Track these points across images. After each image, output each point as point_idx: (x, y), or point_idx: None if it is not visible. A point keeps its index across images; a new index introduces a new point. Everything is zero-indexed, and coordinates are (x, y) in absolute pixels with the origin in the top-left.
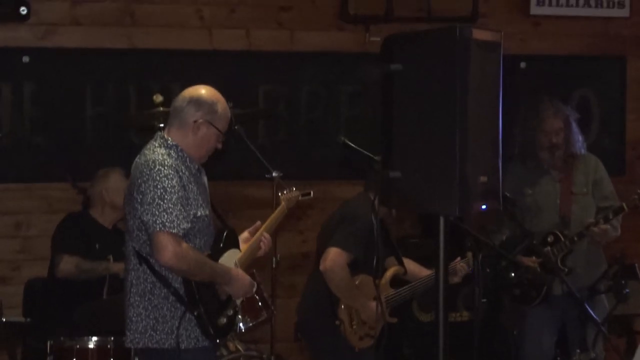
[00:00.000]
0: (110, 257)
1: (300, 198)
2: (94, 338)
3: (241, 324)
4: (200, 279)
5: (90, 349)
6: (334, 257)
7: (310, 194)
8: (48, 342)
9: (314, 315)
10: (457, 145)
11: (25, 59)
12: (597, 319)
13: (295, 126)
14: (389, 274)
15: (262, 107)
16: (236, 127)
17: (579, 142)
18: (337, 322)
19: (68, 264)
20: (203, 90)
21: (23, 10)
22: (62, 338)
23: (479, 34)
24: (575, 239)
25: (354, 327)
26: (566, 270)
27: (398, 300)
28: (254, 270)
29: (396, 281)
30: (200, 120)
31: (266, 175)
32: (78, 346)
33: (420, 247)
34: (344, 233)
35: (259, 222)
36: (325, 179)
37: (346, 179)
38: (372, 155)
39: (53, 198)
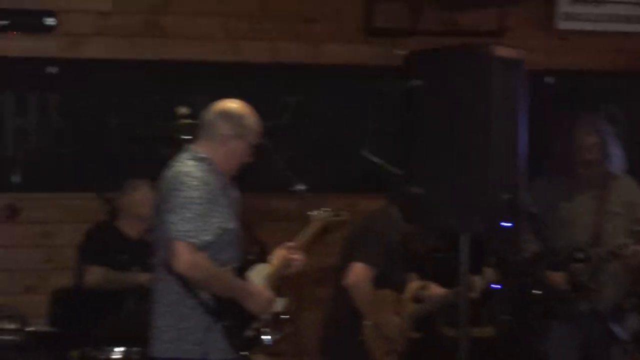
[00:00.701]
0: (137, 268)
1: (334, 218)
2: (119, 349)
3: (267, 337)
4: (217, 291)
5: (115, 359)
6: (358, 272)
7: (344, 215)
8: (73, 352)
9: (338, 330)
10: (480, 162)
11: (52, 69)
12: (623, 337)
13: (319, 139)
14: (411, 289)
15: (286, 119)
16: (261, 140)
17: (616, 158)
18: (361, 338)
19: (95, 275)
20: (233, 104)
21: (50, 21)
22: (86, 348)
23: (502, 51)
24: (606, 259)
25: (378, 342)
26: (595, 288)
27: (421, 316)
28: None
29: (418, 296)
30: (230, 134)
31: (291, 189)
32: (103, 357)
33: (445, 261)
34: (368, 248)
35: (291, 243)
36: (349, 192)
37: (370, 193)
38: (395, 170)
39: (79, 208)
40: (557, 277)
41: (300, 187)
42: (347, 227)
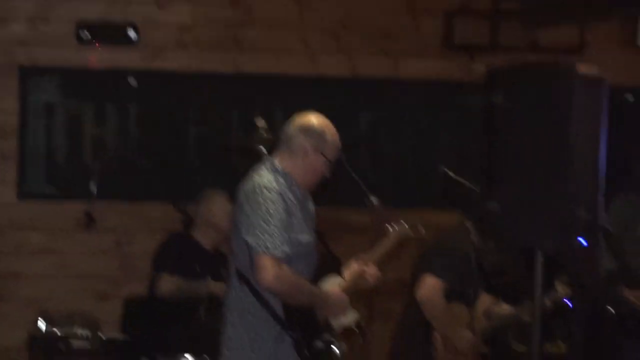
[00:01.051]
0: (210, 278)
1: (411, 234)
2: (190, 357)
3: (337, 348)
4: (299, 302)
5: None
6: (430, 285)
7: (422, 232)
8: (143, 359)
9: (408, 343)
10: (559, 179)
11: (132, 81)
12: None
13: (397, 153)
14: (482, 304)
15: (364, 134)
16: (338, 154)
17: None
18: (432, 351)
19: (168, 284)
20: (314, 119)
21: (132, 33)
22: (158, 356)
23: (585, 69)
24: None
25: (449, 355)
26: None
27: (489, 331)
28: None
29: (489, 312)
30: (311, 148)
31: (366, 202)
32: None
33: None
34: (441, 262)
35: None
36: (425, 207)
37: (446, 209)
38: (472, 186)
39: (154, 217)
40: (634, 297)
41: (374, 200)
42: (421, 242)
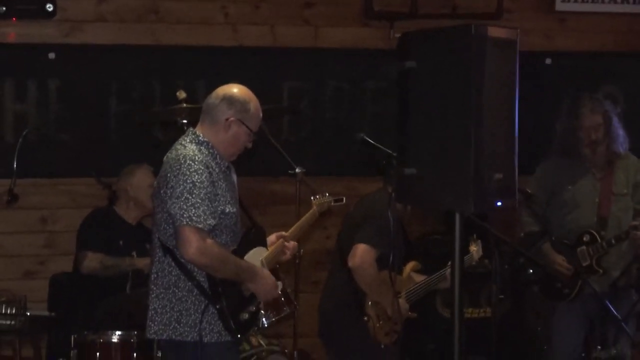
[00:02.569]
0: (134, 253)
1: (332, 204)
2: (118, 332)
3: (264, 319)
4: (224, 275)
5: (114, 343)
6: (363, 254)
7: (342, 200)
8: (72, 336)
9: (339, 312)
10: (472, 142)
11: (51, 55)
12: (617, 315)
13: (319, 123)
14: (408, 268)
15: (286, 103)
16: (260, 124)
17: (620, 138)
18: (365, 318)
19: (92, 261)
20: (236, 89)
21: (49, 7)
22: (86, 332)
23: (495, 32)
24: (613, 242)
25: (381, 322)
26: (601, 271)
27: (417, 295)
28: (277, 266)
29: (413, 278)
30: (232, 119)
31: (289, 172)
32: (102, 340)
33: (441, 243)
34: (371, 229)
35: (283, 233)
36: (348, 175)
37: (369, 176)
38: (390, 152)
39: (78, 193)
40: (560, 260)
41: (298, 170)
42: (344, 209)
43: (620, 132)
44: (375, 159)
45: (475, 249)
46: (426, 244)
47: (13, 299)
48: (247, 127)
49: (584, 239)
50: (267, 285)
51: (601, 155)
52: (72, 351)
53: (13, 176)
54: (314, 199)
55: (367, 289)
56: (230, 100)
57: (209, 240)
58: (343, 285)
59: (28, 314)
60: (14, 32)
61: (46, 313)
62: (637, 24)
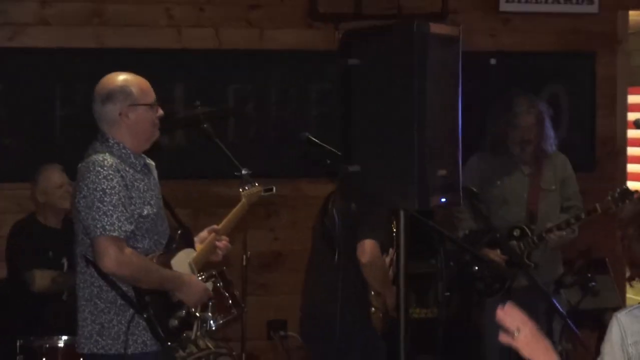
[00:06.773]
0: (65, 262)
1: (262, 194)
2: (64, 337)
3: (211, 322)
4: (148, 286)
5: (60, 347)
6: (372, 250)
7: (272, 189)
8: (17, 341)
9: (345, 308)
10: (415, 139)
11: None
12: (564, 312)
13: (264, 124)
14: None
15: (231, 105)
16: (205, 126)
17: (551, 139)
18: (373, 310)
19: (44, 279)
20: (106, 84)
21: None
22: (31, 337)
23: (437, 28)
24: (544, 235)
25: (382, 313)
26: (532, 265)
27: None
28: (225, 268)
29: None
30: (124, 110)
31: (235, 174)
32: (47, 345)
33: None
34: (371, 223)
35: (215, 226)
36: (295, 177)
37: (316, 177)
38: (335, 150)
39: (22, 198)
40: (494, 255)
41: (244, 172)
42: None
43: (551, 133)
44: (320, 159)
45: None
46: None
47: None
48: (142, 104)
49: (514, 233)
50: (195, 292)
51: (530, 153)
52: (17, 357)
53: None
54: (242, 191)
55: (377, 283)
56: (109, 97)
57: (128, 250)
58: (348, 281)
59: None
60: None
61: None
62: (580, 24)
